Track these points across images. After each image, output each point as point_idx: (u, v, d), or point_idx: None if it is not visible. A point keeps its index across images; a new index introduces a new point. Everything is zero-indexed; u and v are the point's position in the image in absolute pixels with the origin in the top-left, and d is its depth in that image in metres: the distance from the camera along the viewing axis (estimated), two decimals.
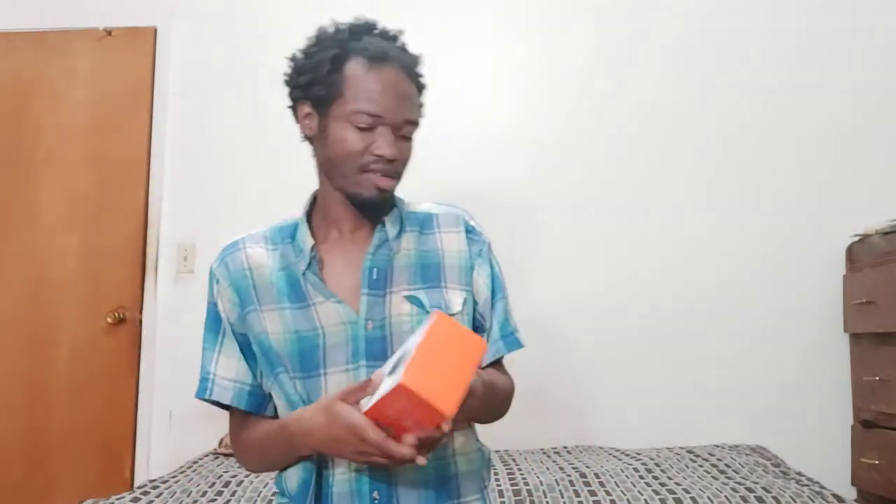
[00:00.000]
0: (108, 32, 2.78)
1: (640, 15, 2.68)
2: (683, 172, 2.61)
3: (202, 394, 1.11)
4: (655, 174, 2.61)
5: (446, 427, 0.85)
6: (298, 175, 2.53)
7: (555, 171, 2.63)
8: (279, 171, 2.64)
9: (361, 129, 1.04)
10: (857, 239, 2.43)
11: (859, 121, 2.58)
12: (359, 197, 1.08)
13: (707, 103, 2.63)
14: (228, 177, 2.69)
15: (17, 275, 2.71)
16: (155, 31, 2.77)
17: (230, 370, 1.11)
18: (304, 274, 1.09)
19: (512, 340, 1.17)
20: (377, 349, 1.05)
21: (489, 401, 1.02)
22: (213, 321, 1.14)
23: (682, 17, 2.67)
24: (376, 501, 1.02)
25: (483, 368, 1.06)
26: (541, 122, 2.67)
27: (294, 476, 1.07)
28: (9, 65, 2.81)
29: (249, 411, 1.12)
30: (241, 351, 1.12)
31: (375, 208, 1.11)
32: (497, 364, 1.18)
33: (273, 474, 1.19)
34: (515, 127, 2.67)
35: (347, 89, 1.05)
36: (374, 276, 1.08)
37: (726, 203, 2.59)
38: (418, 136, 1.12)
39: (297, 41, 1.13)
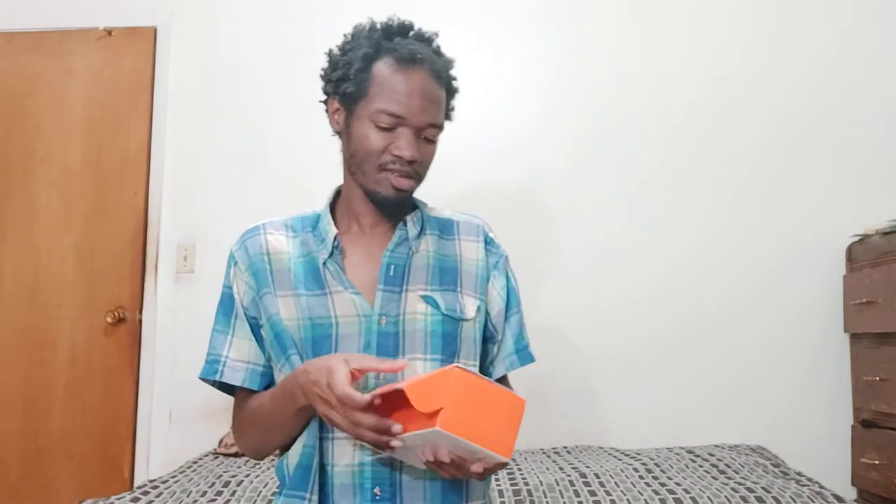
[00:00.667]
0: (108, 32, 2.78)
1: (650, 20, 2.69)
2: (686, 174, 2.61)
3: (211, 375, 1.11)
4: (657, 175, 2.61)
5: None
6: (298, 175, 2.58)
7: (559, 177, 2.63)
8: (279, 172, 2.65)
9: (383, 129, 1.06)
10: (857, 239, 2.43)
11: (859, 121, 2.58)
12: (377, 195, 1.09)
13: (709, 109, 2.63)
14: (228, 177, 2.69)
15: (16, 275, 2.71)
16: (155, 31, 2.77)
17: (242, 352, 1.12)
18: (325, 263, 1.10)
19: (525, 355, 1.19)
20: (389, 345, 1.06)
21: None
22: (227, 304, 1.14)
23: (686, 23, 2.68)
24: (378, 497, 1.02)
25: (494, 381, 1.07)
26: (547, 132, 2.66)
27: (295, 461, 1.07)
28: (8, 65, 2.81)
29: (259, 391, 1.12)
30: (252, 332, 1.13)
31: (393, 207, 1.12)
32: (504, 379, 1.19)
33: (274, 475, 1.18)
34: (521, 134, 2.66)
35: (373, 88, 1.06)
36: (392, 273, 1.09)
37: (727, 204, 2.59)
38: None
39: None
